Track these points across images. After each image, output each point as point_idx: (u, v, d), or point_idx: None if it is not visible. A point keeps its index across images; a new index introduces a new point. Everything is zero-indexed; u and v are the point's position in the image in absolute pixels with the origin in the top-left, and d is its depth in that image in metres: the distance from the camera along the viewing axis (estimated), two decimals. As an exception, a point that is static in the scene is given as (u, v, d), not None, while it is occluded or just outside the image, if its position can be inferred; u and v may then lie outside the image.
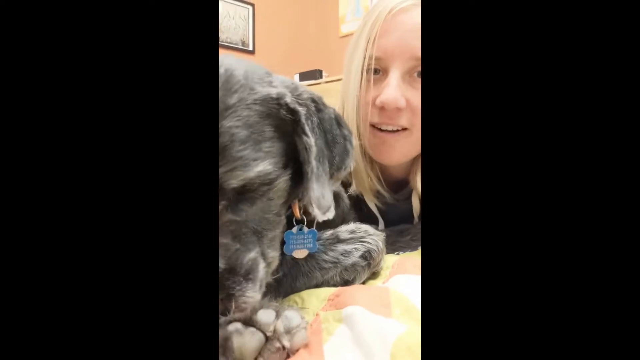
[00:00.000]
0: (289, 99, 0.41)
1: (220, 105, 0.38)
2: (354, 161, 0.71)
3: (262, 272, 0.40)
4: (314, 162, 0.41)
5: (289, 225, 0.49)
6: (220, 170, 0.37)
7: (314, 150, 0.41)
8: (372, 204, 0.72)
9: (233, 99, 0.39)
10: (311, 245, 0.50)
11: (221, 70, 0.40)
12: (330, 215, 0.43)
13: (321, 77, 2.62)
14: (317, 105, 0.45)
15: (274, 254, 0.43)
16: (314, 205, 0.42)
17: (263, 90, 0.41)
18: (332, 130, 0.45)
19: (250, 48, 2.97)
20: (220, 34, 2.78)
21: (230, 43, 2.85)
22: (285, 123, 0.41)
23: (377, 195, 0.72)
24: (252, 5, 2.94)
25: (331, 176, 0.45)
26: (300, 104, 0.42)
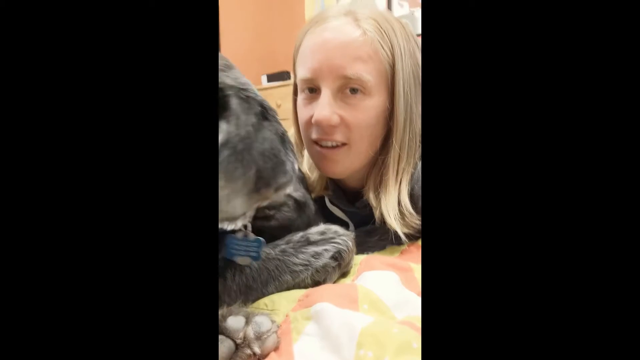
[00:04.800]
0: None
1: None
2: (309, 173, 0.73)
3: None
4: (225, 153, 0.38)
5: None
6: None
7: (223, 136, 0.38)
8: (335, 209, 0.73)
9: None
10: (255, 254, 0.47)
11: None
12: (231, 227, 0.40)
13: (289, 78, 2.61)
14: (266, 112, 0.43)
15: None
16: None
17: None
18: (273, 144, 0.43)
19: (216, 50, 2.92)
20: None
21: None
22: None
23: (333, 203, 0.74)
24: (217, 6, 2.90)
25: (257, 190, 0.41)
26: (240, 97, 0.41)
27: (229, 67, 0.45)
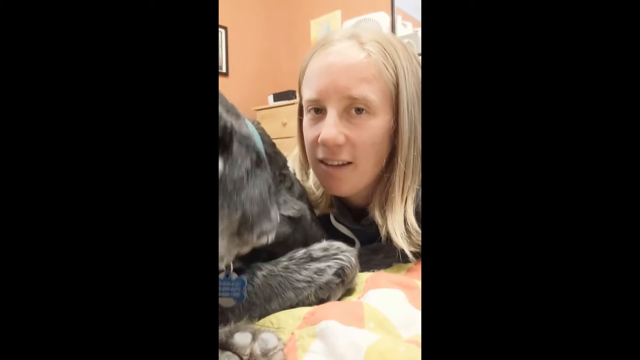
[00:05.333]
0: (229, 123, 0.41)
1: None
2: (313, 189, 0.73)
3: None
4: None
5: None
6: None
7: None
8: (340, 227, 0.73)
9: None
10: (238, 294, 0.46)
11: None
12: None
13: (295, 97, 2.66)
14: (260, 161, 0.44)
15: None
16: None
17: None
18: (262, 191, 0.42)
19: (224, 70, 2.99)
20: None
21: (203, 66, 2.85)
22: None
23: (338, 220, 0.75)
24: (225, 28, 2.98)
25: (239, 234, 0.40)
26: (240, 143, 0.42)
27: (239, 117, 0.46)
